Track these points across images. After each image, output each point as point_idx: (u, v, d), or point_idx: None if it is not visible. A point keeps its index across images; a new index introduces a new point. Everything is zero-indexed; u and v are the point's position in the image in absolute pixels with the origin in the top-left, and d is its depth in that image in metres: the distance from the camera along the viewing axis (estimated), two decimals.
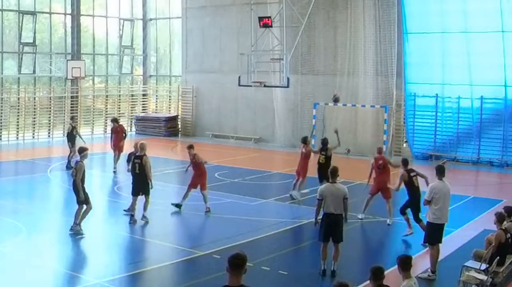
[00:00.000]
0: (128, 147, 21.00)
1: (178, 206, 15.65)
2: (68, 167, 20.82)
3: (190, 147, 15.90)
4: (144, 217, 14.62)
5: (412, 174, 13.54)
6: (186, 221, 15.46)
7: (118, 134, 21.25)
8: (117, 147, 21.08)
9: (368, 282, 10.36)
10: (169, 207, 15.74)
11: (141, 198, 14.64)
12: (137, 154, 14.74)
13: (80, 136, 21.77)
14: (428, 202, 10.97)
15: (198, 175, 15.72)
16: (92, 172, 20.45)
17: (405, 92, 26.34)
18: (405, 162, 13.82)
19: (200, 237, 14.11)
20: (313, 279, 11.03)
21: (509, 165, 24.28)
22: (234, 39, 30.71)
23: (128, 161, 16.12)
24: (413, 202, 13.46)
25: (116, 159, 21.02)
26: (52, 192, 19.01)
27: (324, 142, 17.15)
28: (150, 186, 14.49)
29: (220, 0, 31.47)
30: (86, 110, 32.15)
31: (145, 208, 14.67)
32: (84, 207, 13.35)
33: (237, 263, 5.52)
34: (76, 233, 13.20)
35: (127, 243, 13.27)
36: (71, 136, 21.50)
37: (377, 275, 7.31)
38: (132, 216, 14.56)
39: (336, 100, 18.26)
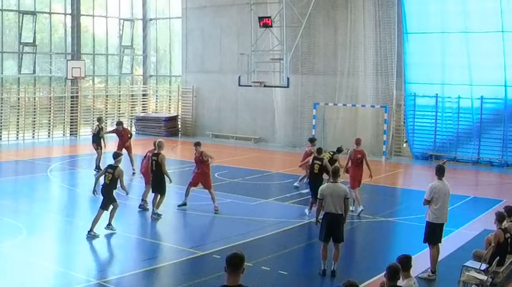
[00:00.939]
0: (133, 148, 21.09)
1: (183, 205, 15.66)
2: (97, 169, 20.32)
3: (197, 144, 15.85)
4: (155, 214, 14.67)
5: (315, 161, 15.13)
6: (186, 221, 15.45)
7: (123, 138, 20.88)
8: (123, 149, 20.52)
9: (368, 281, 10.46)
10: (169, 207, 15.72)
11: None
12: (154, 152, 14.79)
13: (103, 139, 21.08)
14: (428, 202, 10.96)
15: (201, 173, 15.64)
16: (91, 171, 20.47)
17: (405, 92, 26.34)
18: (319, 151, 15.46)
19: (200, 237, 14.09)
20: (313, 279, 11.03)
21: (509, 165, 24.28)
22: (234, 39, 30.71)
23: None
24: (311, 187, 15.04)
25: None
26: (52, 192, 18.99)
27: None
28: (165, 184, 14.59)
29: (220, 0, 31.46)
30: (86, 110, 32.15)
31: (157, 205, 14.71)
32: (105, 211, 13.34)
33: (235, 263, 5.55)
34: (93, 237, 13.08)
35: (127, 243, 13.26)
36: (97, 138, 20.97)
37: (394, 275, 7.22)
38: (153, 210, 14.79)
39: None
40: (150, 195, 15.15)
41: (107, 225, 13.35)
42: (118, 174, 13.12)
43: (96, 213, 13.28)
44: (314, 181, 14.91)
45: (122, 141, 20.83)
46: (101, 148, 20.82)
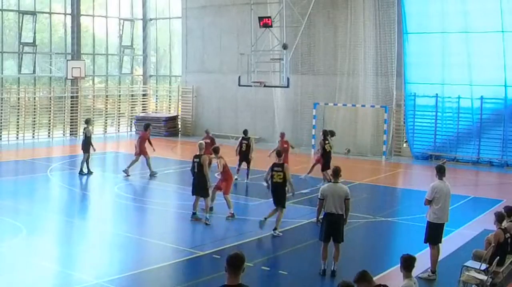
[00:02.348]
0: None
1: (210, 209, 15.13)
2: (85, 173, 20.17)
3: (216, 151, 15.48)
4: (206, 218, 14.50)
5: (243, 141, 19.61)
6: (186, 221, 15.41)
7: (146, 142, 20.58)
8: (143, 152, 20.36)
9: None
10: (169, 207, 15.73)
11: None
12: (197, 154, 14.68)
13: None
14: (429, 202, 10.96)
15: (224, 178, 15.42)
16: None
17: (405, 92, 26.34)
18: (245, 132, 19.96)
19: (200, 237, 14.08)
20: (313, 279, 11.03)
21: (509, 165, 24.28)
22: (234, 39, 30.71)
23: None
24: (242, 157, 19.50)
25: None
26: (52, 192, 18.98)
27: (325, 133, 19.52)
28: (207, 186, 14.42)
29: (220, 0, 31.47)
30: (86, 110, 32.15)
31: (206, 210, 14.57)
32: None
33: (235, 263, 5.58)
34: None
35: (127, 243, 13.24)
36: (89, 140, 20.42)
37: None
38: (193, 213, 14.62)
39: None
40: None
41: (274, 229, 13.38)
42: (288, 170, 13.44)
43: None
44: (242, 157, 19.64)
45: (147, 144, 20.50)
46: (88, 152, 20.37)
